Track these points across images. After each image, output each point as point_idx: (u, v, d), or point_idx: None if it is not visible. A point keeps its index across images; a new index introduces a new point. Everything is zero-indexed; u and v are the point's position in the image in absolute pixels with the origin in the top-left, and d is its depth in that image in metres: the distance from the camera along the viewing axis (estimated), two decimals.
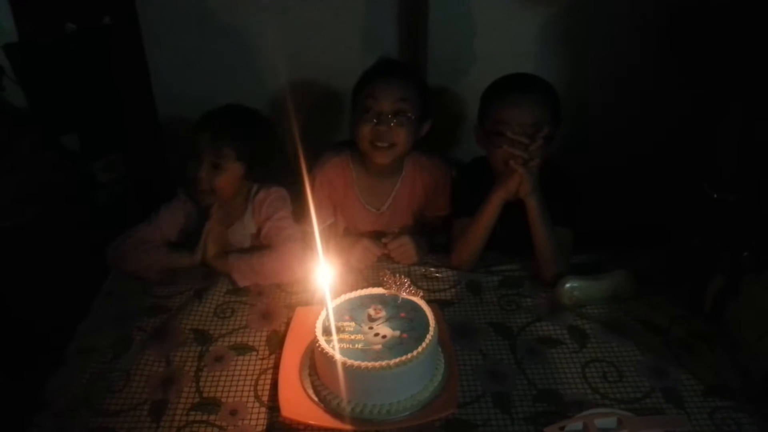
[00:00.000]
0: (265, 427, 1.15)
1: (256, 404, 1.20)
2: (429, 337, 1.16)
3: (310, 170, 1.71)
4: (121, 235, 1.62)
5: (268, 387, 1.23)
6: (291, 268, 1.52)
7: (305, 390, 1.19)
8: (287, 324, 1.37)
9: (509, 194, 1.50)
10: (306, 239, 1.59)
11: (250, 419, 1.17)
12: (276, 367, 1.26)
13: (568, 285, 1.42)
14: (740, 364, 1.26)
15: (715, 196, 1.36)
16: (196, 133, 1.59)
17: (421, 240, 1.66)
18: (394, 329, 1.19)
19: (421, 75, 1.78)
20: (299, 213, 1.64)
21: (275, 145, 1.68)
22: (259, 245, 1.64)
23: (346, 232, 1.80)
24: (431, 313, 1.23)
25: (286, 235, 1.57)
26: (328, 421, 1.13)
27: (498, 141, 1.53)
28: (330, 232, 1.77)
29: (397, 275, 1.28)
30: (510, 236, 1.55)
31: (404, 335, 1.18)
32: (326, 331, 1.18)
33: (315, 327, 1.19)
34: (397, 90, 1.58)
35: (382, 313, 1.23)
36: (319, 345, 1.15)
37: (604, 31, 1.88)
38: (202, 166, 1.58)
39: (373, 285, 1.33)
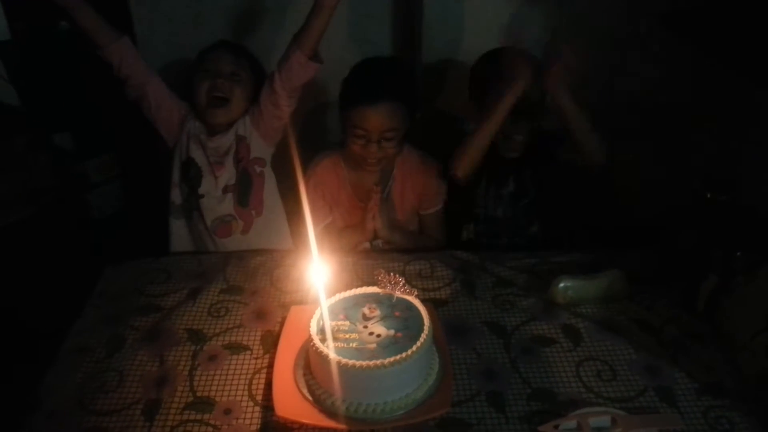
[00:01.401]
0: (259, 426, 1.15)
1: (250, 403, 1.20)
2: (423, 336, 1.15)
3: (304, 172, 1.72)
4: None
5: (262, 386, 1.23)
6: None
7: (299, 389, 1.18)
8: (281, 323, 1.36)
9: (516, 94, 1.55)
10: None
11: (244, 418, 1.16)
12: (270, 366, 1.26)
13: (562, 284, 1.42)
14: (733, 363, 1.26)
15: (708, 195, 1.37)
16: (212, 52, 1.70)
17: (398, 232, 1.76)
18: (388, 328, 1.19)
19: (406, 71, 1.78)
20: (297, 215, 1.64)
21: None
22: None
23: (343, 232, 1.82)
24: (426, 312, 1.22)
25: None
26: (322, 420, 1.13)
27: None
28: (326, 232, 1.78)
29: (392, 274, 1.28)
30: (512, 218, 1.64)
31: (399, 334, 1.18)
32: (321, 331, 1.18)
33: (309, 326, 1.19)
34: (382, 121, 1.60)
35: (377, 312, 1.23)
36: (314, 344, 1.15)
37: (601, 29, 1.89)
38: (220, 73, 1.66)
39: (368, 284, 1.32)
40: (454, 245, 1.76)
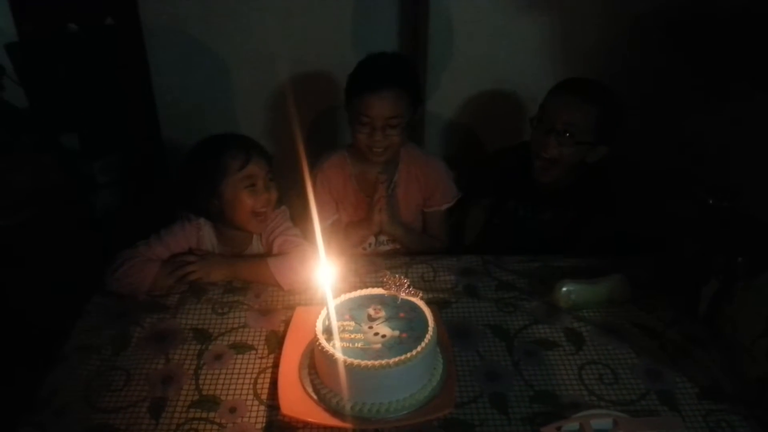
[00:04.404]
0: (264, 424, 1.16)
1: (256, 402, 1.21)
2: (428, 337, 1.16)
3: (311, 172, 1.74)
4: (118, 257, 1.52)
5: (267, 385, 1.24)
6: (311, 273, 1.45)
7: (305, 388, 1.19)
8: (287, 323, 1.37)
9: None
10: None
11: (249, 417, 1.18)
12: (275, 366, 1.27)
13: (564, 289, 1.44)
14: (734, 367, 1.28)
15: (710, 202, 1.38)
16: (245, 164, 1.52)
17: (402, 228, 1.79)
18: (393, 329, 1.20)
19: (409, 65, 1.78)
20: (303, 213, 1.65)
21: None
22: None
23: (348, 227, 1.84)
24: (430, 313, 1.24)
25: (303, 250, 1.55)
26: (327, 419, 1.14)
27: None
28: (333, 230, 1.80)
29: (397, 276, 1.29)
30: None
31: (403, 335, 1.19)
32: (326, 330, 1.19)
33: (315, 326, 1.20)
34: (388, 107, 1.63)
35: (382, 313, 1.24)
36: (320, 344, 1.16)
37: (602, 34, 1.90)
38: (262, 188, 1.56)
39: (373, 285, 1.34)
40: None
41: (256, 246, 1.66)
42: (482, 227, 1.95)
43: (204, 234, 1.62)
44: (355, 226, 1.82)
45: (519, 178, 1.81)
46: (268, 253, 1.62)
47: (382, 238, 1.81)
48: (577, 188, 1.77)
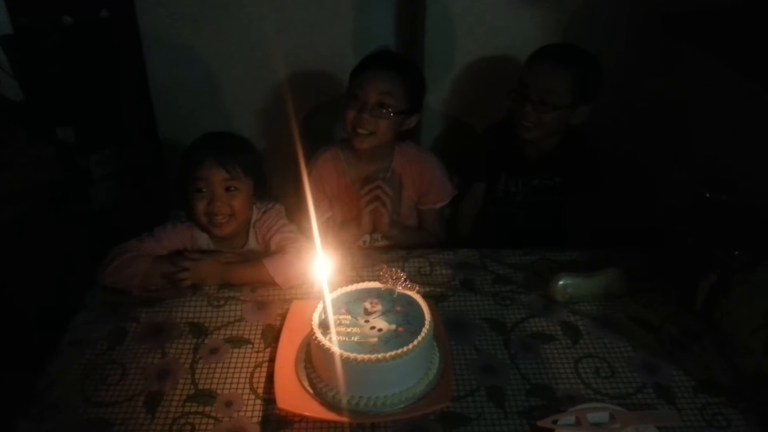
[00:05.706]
0: (260, 418, 1.16)
1: (252, 396, 1.20)
2: (424, 330, 1.16)
3: (306, 167, 1.73)
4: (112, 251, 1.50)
5: (263, 379, 1.24)
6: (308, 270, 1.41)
7: (301, 382, 1.19)
8: (283, 317, 1.37)
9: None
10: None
11: (246, 411, 1.17)
12: (271, 360, 1.27)
13: (561, 282, 1.43)
14: (731, 360, 1.28)
15: (708, 195, 1.38)
16: (197, 165, 1.51)
17: (399, 228, 1.78)
18: (389, 323, 1.20)
19: (417, 68, 1.79)
20: (298, 209, 1.65)
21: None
22: None
23: (343, 225, 1.83)
24: (427, 307, 1.23)
25: (300, 246, 1.53)
26: (323, 413, 1.14)
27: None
28: (327, 226, 1.79)
29: (394, 270, 1.29)
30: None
31: (400, 329, 1.19)
32: (323, 324, 1.19)
33: (311, 320, 1.20)
34: (383, 83, 1.63)
35: (378, 307, 1.24)
36: (316, 337, 1.16)
37: (600, 30, 1.90)
38: (216, 194, 1.52)
39: (370, 279, 1.33)
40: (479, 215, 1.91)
41: (253, 244, 1.65)
42: (476, 216, 1.95)
43: (197, 233, 1.61)
44: (347, 225, 1.80)
45: (506, 151, 1.82)
46: (264, 251, 1.61)
47: (376, 236, 1.80)
48: (561, 152, 1.79)
